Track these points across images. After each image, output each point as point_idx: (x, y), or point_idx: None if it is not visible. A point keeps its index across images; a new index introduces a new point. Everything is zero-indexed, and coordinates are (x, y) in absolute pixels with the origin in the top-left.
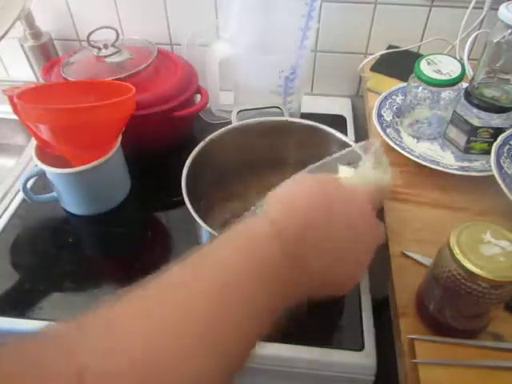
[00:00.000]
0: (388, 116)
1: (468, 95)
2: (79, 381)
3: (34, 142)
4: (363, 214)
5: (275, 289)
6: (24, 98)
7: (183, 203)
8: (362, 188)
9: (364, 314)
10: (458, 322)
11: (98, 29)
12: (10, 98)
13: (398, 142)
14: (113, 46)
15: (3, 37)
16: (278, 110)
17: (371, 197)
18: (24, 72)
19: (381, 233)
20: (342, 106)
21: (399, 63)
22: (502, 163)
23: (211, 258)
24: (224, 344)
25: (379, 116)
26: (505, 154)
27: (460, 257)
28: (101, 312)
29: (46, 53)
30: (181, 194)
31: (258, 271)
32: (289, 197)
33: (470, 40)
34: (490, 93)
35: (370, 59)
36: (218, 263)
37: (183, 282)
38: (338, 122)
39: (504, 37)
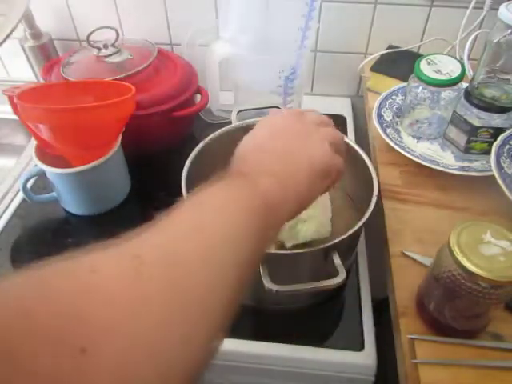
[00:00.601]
0: (388, 116)
1: (468, 95)
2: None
3: (33, 142)
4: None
5: (262, 207)
6: (24, 98)
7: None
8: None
9: (364, 314)
10: (458, 322)
11: (97, 29)
12: (10, 98)
13: (397, 142)
14: (113, 46)
15: (7, 38)
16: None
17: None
18: (24, 72)
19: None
20: (342, 106)
21: (399, 63)
22: (502, 163)
23: (208, 203)
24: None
25: (379, 116)
26: (505, 154)
27: (460, 257)
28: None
29: (46, 53)
30: (181, 194)
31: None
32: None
33: (470, 40)
34: (490, 93)
35: (370, 59)
36: (215, 207)
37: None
38: (338, 122)
39: (504, 37)
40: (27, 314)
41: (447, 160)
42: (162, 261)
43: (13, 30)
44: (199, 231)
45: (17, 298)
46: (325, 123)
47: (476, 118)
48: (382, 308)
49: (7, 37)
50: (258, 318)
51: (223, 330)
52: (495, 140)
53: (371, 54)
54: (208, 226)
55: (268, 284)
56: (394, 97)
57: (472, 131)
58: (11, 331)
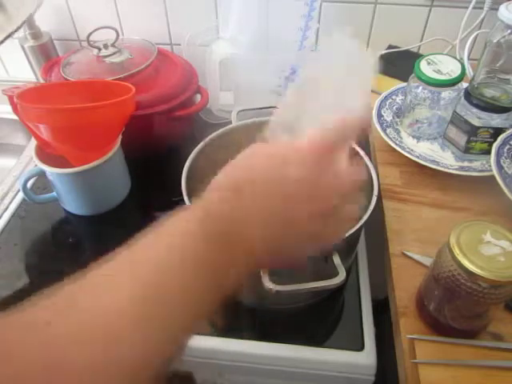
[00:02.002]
0: (388, 116)
1: (468, 95)
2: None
3: (34, 142)
4: (301, 179)
5: (209, 277)
6: (24, 98)
7: (183, 203)
8: (305, 145)
9: (364, 314)
10: (458, 322)
11: (98, 29)
12: (10, 98)
13: (397, 142)
14: (113, 45)
15: (9, 36)
16: None
17: (322, 145)
18: (24, 72)
19: (344, 183)
20: None
21: (399, 63)
22: (502, 163)
23: (145, 255)
24: (159, 332)
25: (379, 116)
26: (505, 154)
27: (460, 257)
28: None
29: (46, 53)
30: (181, 194)
31: (187, 266)
32: (223, 181)
33: (470, 40)
34: (489, 93)
35: None
36: (152, 261)
37: (117, 281)
38: None
39: (504, 37)
40: None
41: (447, 160)
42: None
43: (13, 33)
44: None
45: None
46: (353, 195)
47: (476, 118)
48: (382, 308)
49: (6, 38)
50: (258, 318)
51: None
52: (495, 140)
53: None
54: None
55: (268, 284)
56: (394, 97)
57: (472, 131)
58: None
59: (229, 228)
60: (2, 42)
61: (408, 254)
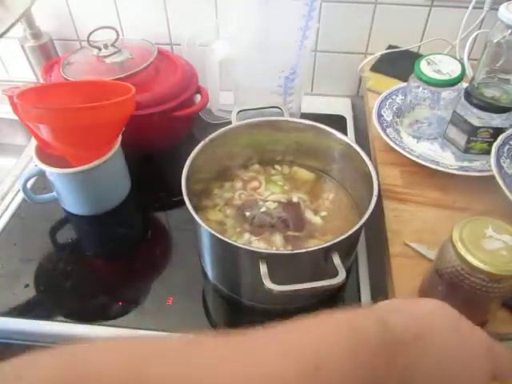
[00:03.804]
0: (388, 116)
1: (468, 95)
2: None
3: (34, 142)
4: (475, 362)
5: None
6: (24, 98)
7: (183, 203)
8: (484, 337)
9: None
10: None
11: (97, 29)
12: (10, 98)
13: (398, 142)
14: (113, 45)
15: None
16: (278, 109)
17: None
18: (24, 72)
19: None
20: (342, 106)
21: (399, 63)
22: (501, 163)
23: (308, 341)
24: None
25: (379, 116)
26: (505, 154)
27: (463, 252)
28: None
29: (46, 53)
30: (181, 194)
31: (356, 369)
32: (408, 308)
33: (470, 40)
34: (489, 93)
35: (369, 59)
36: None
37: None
38: (338, 121)
39: (504, 37)
40: None
41: (447, 160)
42: None
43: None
44: None
45: None
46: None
47: (476, 118)
48: None
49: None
50: (258, 318)
51: None
52: (495, 140)
53: (371, 54)
54: None
55: (268, 284)
56: (394, 97)
57: (472, 131)
58: None
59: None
60: (3, 34)
61: (412, 245)
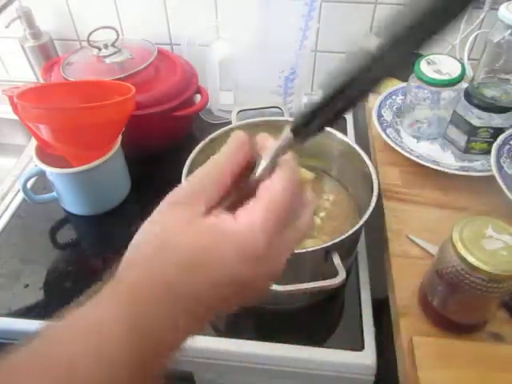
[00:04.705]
0: (388, 116)
1: (468, 95)
2: None
3: (34, 142)
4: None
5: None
6: (24, 98)
7: None
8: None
9: (364, 314)
10: (462, 316)
11: (97, 29)
12: (10, 98)
13: (398, 142)
14: (113, 45)
15: None
16: (278, 109)
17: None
18: (24, 72)
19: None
20: None
21: None
22: (501, 163)
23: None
24: None
25: (379, 116)
26: (505, 154)
27: (463, 252)
28: None
29: (46, 53)
30: None
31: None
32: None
33: (470, 40)
34: (489, 93)
35: None
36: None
37: None
38: (337, 121)
39: (504, 37)
40: None
41: (447, 160)
42: None
43: None
44: None
45: None
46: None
47: (476, 118)
48: (382, 308)
49: None
50: (258, 318)
51: None
52: (495, 140)
53: None
54: None
55: None
56: (394, 97)
57: (472, 131)
58: None
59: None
60: None
61: (414, 239)
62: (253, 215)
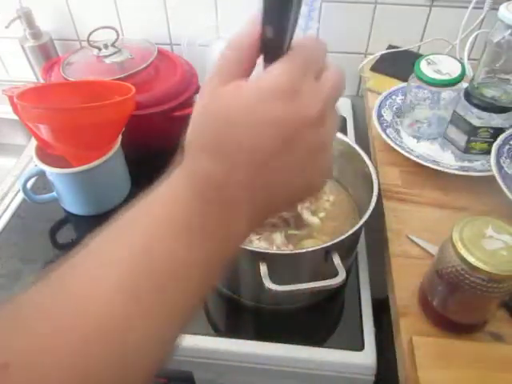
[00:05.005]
0: (388, 116)
1: (468, 95)
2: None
3: (34, 142)
4: (278, 116)
5: (207, 246)
6: (24, 98)
7: None
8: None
9: (364, 314)
10: (462, 316)
11: (97, 29)
12: (10, 98)
13: (398, 142)
14: (113, 45)
15: None
16: None
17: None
18: (24, 72)
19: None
20: (341, 106)
21: (399, 63)
22: (501, 163)
23: (131, 231)
24: (173, 307)
25: (379, 116)
26: (505, 154)
27: (463, 252)
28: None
29: (46, 53)
30: None
31: (180, 237)
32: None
33: (470, 40)
34: (489, 93)
35: (370, 59)
36: (139, 239)
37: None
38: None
39: (504, 37)
40: None
41: (447, 160)
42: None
43: None
44: (122, 331)
45: None
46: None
47: (476, 117)
48: (382, 308)
49: None
50: (258, 318)
51: None
52: (495, 140)
53: (371, 54)
54: (137, 322)
55: (268, 284)
56: (394, 97)
57: (472, 131)
58: None
59: (222, 184)
60: None
61: (413, 239)
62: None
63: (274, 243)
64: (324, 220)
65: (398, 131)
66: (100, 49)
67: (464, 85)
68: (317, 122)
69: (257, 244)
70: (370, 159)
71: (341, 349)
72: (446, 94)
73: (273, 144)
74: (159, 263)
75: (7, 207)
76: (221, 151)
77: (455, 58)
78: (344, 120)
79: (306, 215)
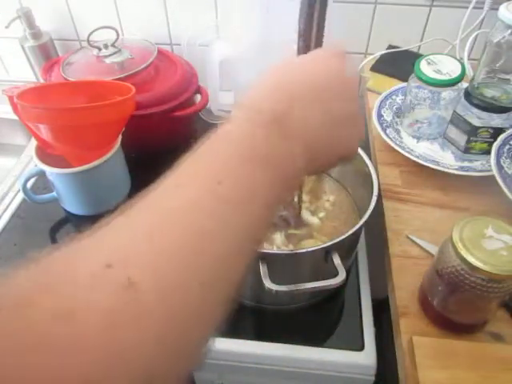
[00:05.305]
0: (388, 116)
1: (468, 95)
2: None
3: (34, 142)
4: (341, 79)
5: (273, 172)
6: (24, 98)
7: None
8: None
9: (364, 314)
10: (462, 316)
11: (97, 29)
12: (10, 98)
13: (398, 142)
14: (113, 46)
15: None
16: None
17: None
18: (24, 72)
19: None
20: None
21: (399, 63)
22: (502, 163)
23: (203, 160)
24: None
25: (379, 116)
26: (505, 154)
27: (463, 252)
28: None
29: (46, 53)
30: None
31: (247, 161)
32: (262, 82)
33: (470, 40)
34: (489, 93)
35: (370, 59)
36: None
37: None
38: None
39: (504, 37)
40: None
41: (447, 160)
42: (159, 291)
43: None
44: (211, 241)
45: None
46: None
47: (476, 118)
48: (382, 308)
49: None
50: (258, 318)
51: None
52: (495, 140)
53: (371, 54)
54: (221, 234)
55: (268, 284)
56: (394, 97)
57: (472, 131)
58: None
59: (281, 117)
60: None
61: (413, 238)
62: None
63: (274, 243)
64: (324, 220)
65: (398, 131)
66: (100, 49)
67: (464, 85)
68: (353, 83)
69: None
70: (370, 159)
71: (341, 349)
72: (446, 93)
73: (322, 83)
74: (235, 182)
75: (7, 207)
76: (280, 88)
77: (455, 58)
78: None
79: (306, 215)
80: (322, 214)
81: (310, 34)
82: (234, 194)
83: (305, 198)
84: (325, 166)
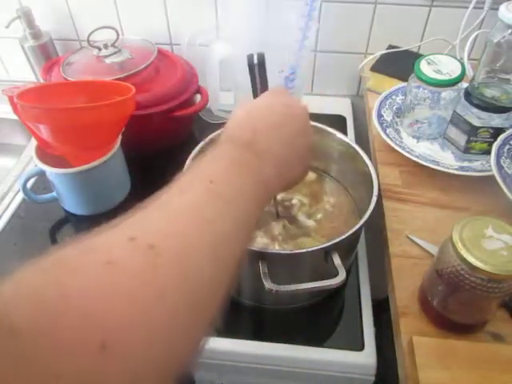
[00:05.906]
0: (388, 116)
1: (468, 95)
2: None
3: (34, 142)
4: (293, 115)
5: (255, 176)
6: (24, 98)
7: None
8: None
9: (364, 314)
10: (462, 316)
11: (97, 29)
12: (10, 98)
13: (398, 142)
14: (113, 46)
15: None
16: None
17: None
18: (24, 72)
19: (311, 137)
20: (342, 106)
21: (399, 63)
22: (502, 163)
23: (199, 175)
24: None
25: (379, 116)
26: (505, 154)
27: (463, 252)
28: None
29: (46, 53)
30: None
31: (239, 175)
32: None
33: (470, 40)
34: (490, 93)
35: (370, 59)
36: (228, 196)
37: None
38: (338, 122)
39: (504, 37)
40: (47, 315)
41: (447, 160)
42: (176, 253)
43: None
44: (210, 223)
45: (36, 302)
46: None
47: (476, 118)
48: (381, 308)
49: None
50: (258, 318)
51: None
52: (495, 140)
53: (371, 54)
54: (219, 219)
55: (268, 284)
56: (393, 97)
57: (472, 131)
58: (31, 333)
59: (250, 141)
60: None
61: (413, 238)
62: None
63: (272, 233)
64: (322, 221)
65: (398, 131)
66: (100, 49)
67: (464, 85)
68: (303, 112)
69: (259, 240)
70: (370, 159)
71: (341, 349)
72: (446, 93)
73: (279, 118)
74: (226, 183)
75: (7, 207)
76: (244, 123)
77: (455, 58)
78: (344, 120)
79: (302, 218)
80: (319, 216)
81: (256, 84)
82: (225, 189)
83: (305, 200)
84: (295, 180)
